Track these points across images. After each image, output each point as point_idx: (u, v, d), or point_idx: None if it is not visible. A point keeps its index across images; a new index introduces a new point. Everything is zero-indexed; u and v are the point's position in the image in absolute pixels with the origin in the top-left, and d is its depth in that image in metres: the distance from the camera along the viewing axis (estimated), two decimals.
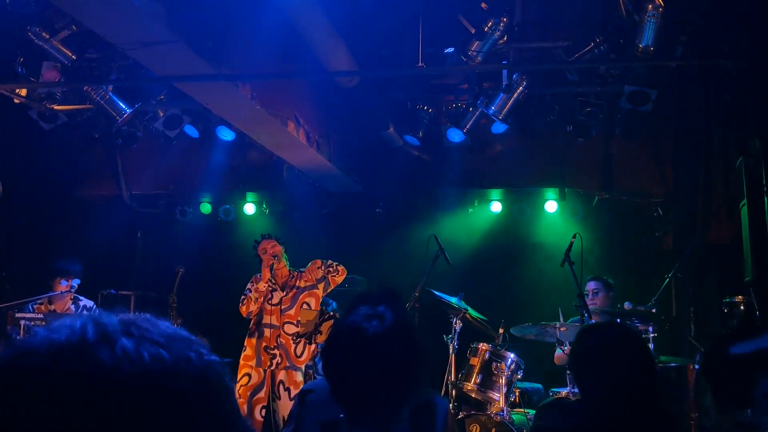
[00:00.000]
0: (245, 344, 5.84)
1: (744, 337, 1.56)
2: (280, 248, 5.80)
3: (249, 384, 5.67)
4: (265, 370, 5.70)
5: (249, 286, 5.83)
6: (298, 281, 5.88)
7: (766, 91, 5.06)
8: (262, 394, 5.65)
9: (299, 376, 5.71)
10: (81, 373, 0.60)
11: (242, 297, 5.82)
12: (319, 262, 5.90)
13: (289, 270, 5.90)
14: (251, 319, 5.85)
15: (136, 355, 0.62)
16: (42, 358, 0.61)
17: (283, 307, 5.78)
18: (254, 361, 5.73)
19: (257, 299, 5.75)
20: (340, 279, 5.85)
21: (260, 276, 5.76)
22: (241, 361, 5.77)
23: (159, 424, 0.60)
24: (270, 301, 5.80)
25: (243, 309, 5.78)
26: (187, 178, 8.14)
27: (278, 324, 5.75)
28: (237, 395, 5.65)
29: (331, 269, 5.83)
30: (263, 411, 5.64)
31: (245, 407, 5.63)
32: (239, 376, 5.73)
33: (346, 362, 1.59)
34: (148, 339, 0.64)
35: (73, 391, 0.59)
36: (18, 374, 0.60)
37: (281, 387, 5.67)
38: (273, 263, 5.76)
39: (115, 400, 0.59)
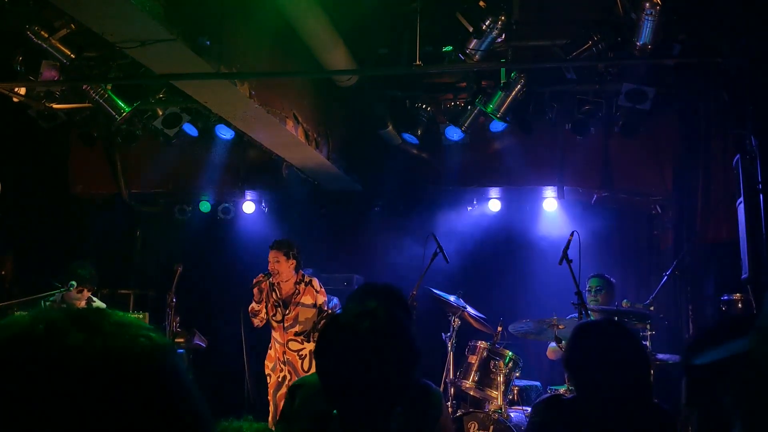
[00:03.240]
0: (270, 344, 5.94)
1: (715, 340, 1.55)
2: (284, 265, 5.65)
3: (270, 383, 5.85)
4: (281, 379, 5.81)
5: (255, 290, 5.76)
6: (302, 297, 5.76)
7: (764, 89, 5.07)
8: (283, 389, 5.73)
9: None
10: (28, 367, 0.62)
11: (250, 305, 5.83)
12: (323, 296, 5.79)
13: (296, 283, 5.78)
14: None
15: (86, 345, 0.64)
16: None
17: (286, 324, 5.75)
18: (273, 366, 5.87)
19: (257, 317, 5.78)
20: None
21: (262, 279, 5.70)
22: (266, 361, 5.93)
23: (111, 407, 0.62)
24: (274, 317, 5.78)
25: (253, 322, 5.83)
26: (186, 176, 8.14)
27: (283, 341, 5.78)
28: (268, 393, 5.88)
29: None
30: None
31: (272, 404, 5.82)
32: (265, 374, 5.93)
33: (338, 360, 1.59)
34: (98, 330, 0.66)
35: (22, 385, 0.61)
36: None
37: None
38: (261, 281, 5.65)
39: (64, 390, 0.61)
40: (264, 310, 5.76)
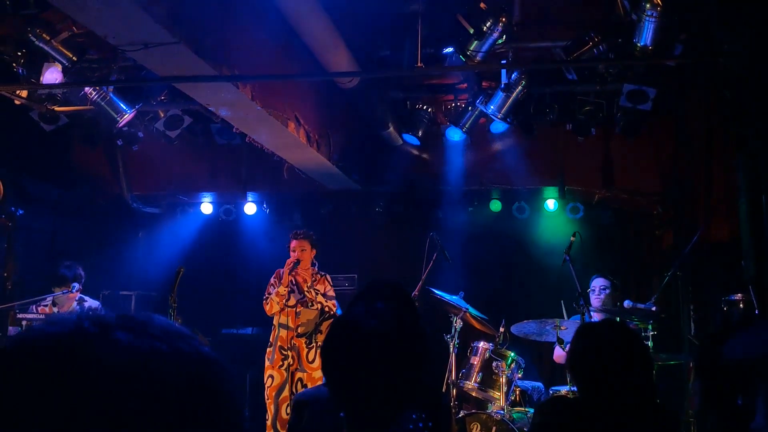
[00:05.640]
0: (269, 341, 5.98)
1: (740, 337, 1.55)
2: (308, 254, 5.94)
3: (273, 384, 5.83)
4: (285, 370, 5.83)
5: (272, 281, 5.98)
6: (317, 284, 5.99)
7: (766, 89, 5.07)
8: (286, 392, 5.77)
9: (319, 372, 5.75)
10: (76, 363, 0.61)
11: (266, 294, 5.97)
12: (332, 291, 6.05)
13: (313, 273, 6.03)
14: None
15: (131, 347, 0.63)
16: (38, 349, 0.63)
17: (297, 309, 5.90)
18: (272, 358, 5.88)
19: (279, 302, 5.88)
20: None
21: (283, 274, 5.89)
22: (266, 362, 5.93)
23: (152, 415, 0.61)
24: (287, 303, 5.91)
25: (267, 308, 5.95)
26: (188, 178, 8.15)
27: (292, 326, 5.86)
28: (266, 396, 5.86)
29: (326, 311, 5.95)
30: (288, 409, 5.71)
31: (272, 407, 5.80)
32: (265, 377, 5.91)
33: (344, 362, 1.59)
34: (145, 333, 0.65)
35: (68, 381, 0.60)
36: (14, 364, 0.62)
37: (299, 384, 5.80)
38: (293, 266, 5.87)
39: (109, 390, 0.60)
40: (286, 295, 5.88)
